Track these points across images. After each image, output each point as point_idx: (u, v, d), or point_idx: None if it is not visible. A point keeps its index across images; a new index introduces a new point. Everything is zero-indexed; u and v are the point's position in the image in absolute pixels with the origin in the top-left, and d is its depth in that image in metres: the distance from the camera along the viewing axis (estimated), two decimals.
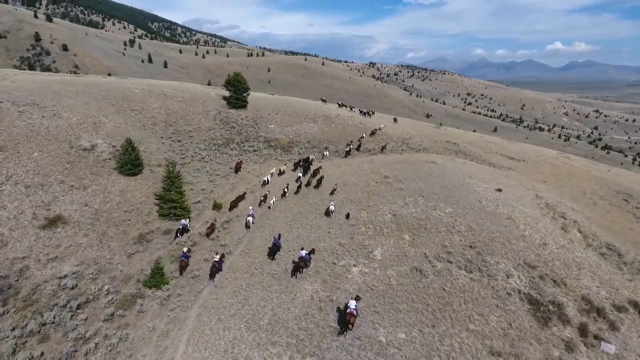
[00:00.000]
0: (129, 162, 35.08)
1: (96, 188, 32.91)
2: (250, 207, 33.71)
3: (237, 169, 44.76)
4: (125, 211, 31.83)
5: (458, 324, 19.99)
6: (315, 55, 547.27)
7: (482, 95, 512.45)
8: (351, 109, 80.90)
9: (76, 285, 24.49)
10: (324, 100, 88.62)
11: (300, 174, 40.45)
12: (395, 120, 79.42)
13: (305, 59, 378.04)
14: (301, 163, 46.22)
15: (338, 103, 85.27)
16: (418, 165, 42.76)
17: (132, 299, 24.13)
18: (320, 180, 38.31)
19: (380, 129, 65.20)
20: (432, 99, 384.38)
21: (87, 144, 37.63)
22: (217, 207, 34.72)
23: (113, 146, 38.72)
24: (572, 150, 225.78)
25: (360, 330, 19.03)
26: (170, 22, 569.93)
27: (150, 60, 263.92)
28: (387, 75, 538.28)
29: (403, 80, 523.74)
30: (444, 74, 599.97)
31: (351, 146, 54.24)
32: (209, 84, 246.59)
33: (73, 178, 32.73)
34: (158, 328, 21.97)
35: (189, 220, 33.20)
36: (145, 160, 38.72)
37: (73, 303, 22.87)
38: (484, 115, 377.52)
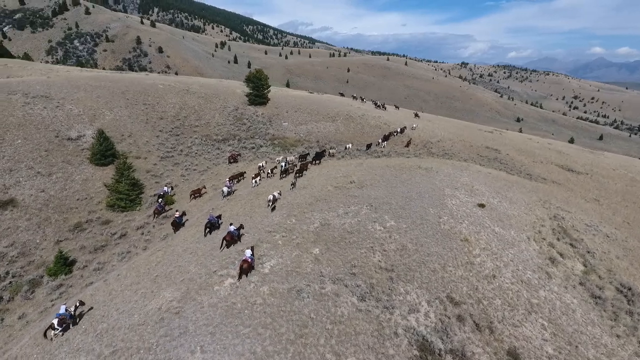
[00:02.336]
0: (99, 153, 36.44)
1: (61, 175, 34.69)
2: (227, 180, 37.08)
3: (232, 160, 46.09)
4: (77, 199, 33.01)
5: None
6: (403, 56, 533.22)
7: (593, 98, 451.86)
8: (362, 100, 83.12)
9: None
10: (342, 94, 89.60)
11: (283, 163, 41.15)
12: (416, 115, 75.30)
13: (388, 59, 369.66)
14: (309, 154, 47.13)
15: (352, 96, 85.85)
16: (403, 171, 37.97)
17: (25, 284, 24.54)
18: (301, 171, 38.80)
19: (413, 129, 60.64)
20: (526, 102, 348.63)
21: (75, 134, 40.06)
22: (168, 201, 34.34)
23: None
24: None
25: (175, 352, 16.63)
26: (264, 25, 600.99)
27: (235, 61, 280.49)
28: (480, 76, 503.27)
29: (498, 82, 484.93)
30: (547, 74, 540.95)
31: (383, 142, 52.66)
32: (287, 85, 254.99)
33: (43, 165, 34.92)
34: (27, 317, 21.96)
35: (171, 188, 37.45)
36: (123, 152, 40.01)
37: None
38: (590, 121, 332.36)
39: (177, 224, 29.55)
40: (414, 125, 62.67)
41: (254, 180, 36.89)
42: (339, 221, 26.73)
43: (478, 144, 60.20)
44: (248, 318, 18.53)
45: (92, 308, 20.83)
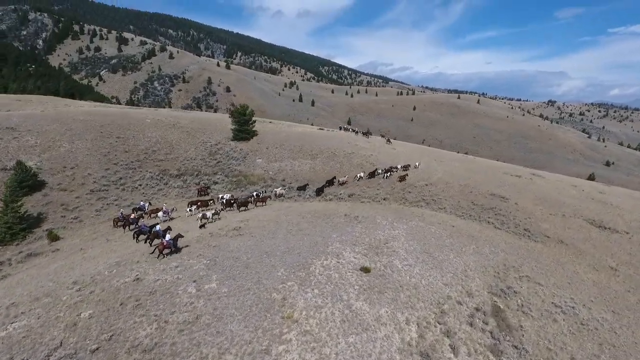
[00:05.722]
0: (15, 183, 36.35)
1: None
2: (165, 205, 39.77)
3: (202, 192, 47.02)
4: None
5: None
6: (482, 94, 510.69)
7: None
8: (352, 131, 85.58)
9: None
10: (340, 128, 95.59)
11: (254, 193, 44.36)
12: (388, 141, 75.64)
13: (458, 97, 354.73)
14: (308, 185, 48.14)
15: (339, 127, 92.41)
16: (318, 218, 32.55)
17: None
18: (244, 205, 40.46)
19: (416, 167, 55.26)
20: (621, 144, 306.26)
21: (13, 164, 40.90)
22: (50, 237, 32.53)
23: (39, 168, 41.29)
24: None
25: None
26: (339, 65, 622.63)
27: (300, 100, 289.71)
28: (570, 115, 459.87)
29: (591, 121, 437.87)
30: None
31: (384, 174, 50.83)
32: (349, 122, 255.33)
33: None
34: None
35: (149, 204, 40.84)
36: (52, 183, 39.83)
37: None
38: None
39: (128, 224, 34.52)
40: (417, 164, 56.40)
41: (189, 209, 38.56)
42: (156, 277, 22.16)
43: (483, 190, 50.86)
44: None
45: None
